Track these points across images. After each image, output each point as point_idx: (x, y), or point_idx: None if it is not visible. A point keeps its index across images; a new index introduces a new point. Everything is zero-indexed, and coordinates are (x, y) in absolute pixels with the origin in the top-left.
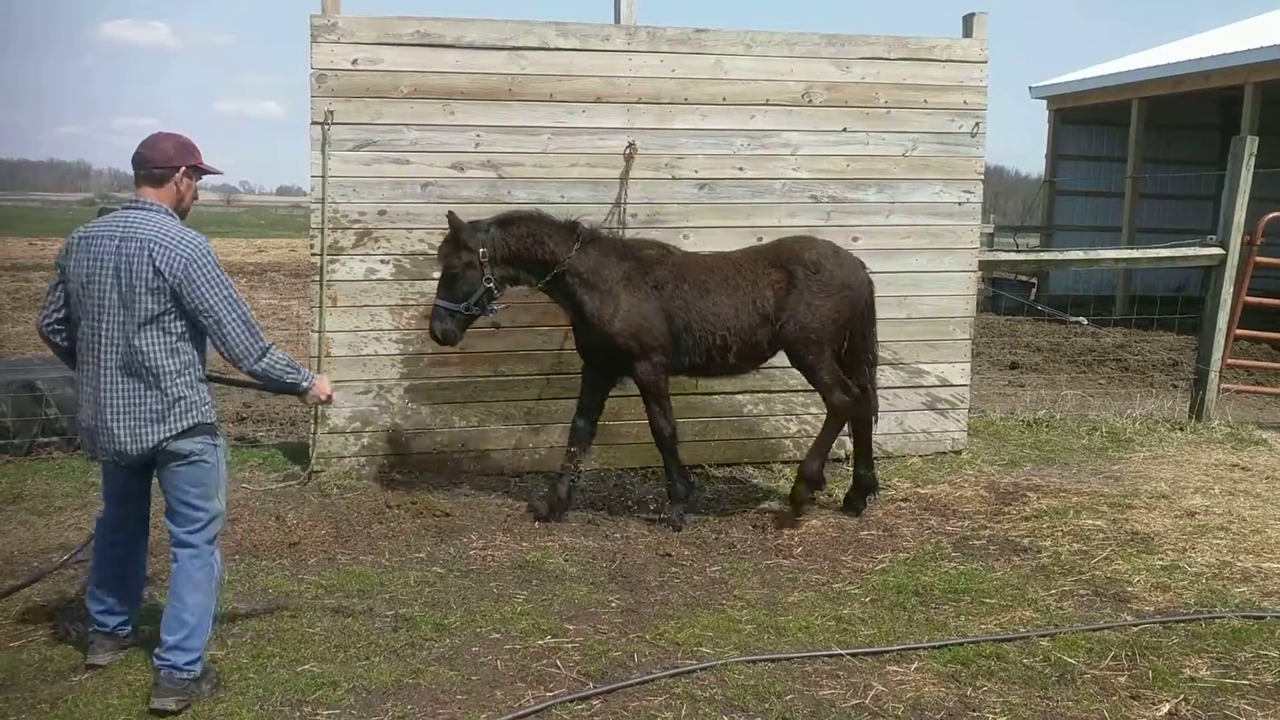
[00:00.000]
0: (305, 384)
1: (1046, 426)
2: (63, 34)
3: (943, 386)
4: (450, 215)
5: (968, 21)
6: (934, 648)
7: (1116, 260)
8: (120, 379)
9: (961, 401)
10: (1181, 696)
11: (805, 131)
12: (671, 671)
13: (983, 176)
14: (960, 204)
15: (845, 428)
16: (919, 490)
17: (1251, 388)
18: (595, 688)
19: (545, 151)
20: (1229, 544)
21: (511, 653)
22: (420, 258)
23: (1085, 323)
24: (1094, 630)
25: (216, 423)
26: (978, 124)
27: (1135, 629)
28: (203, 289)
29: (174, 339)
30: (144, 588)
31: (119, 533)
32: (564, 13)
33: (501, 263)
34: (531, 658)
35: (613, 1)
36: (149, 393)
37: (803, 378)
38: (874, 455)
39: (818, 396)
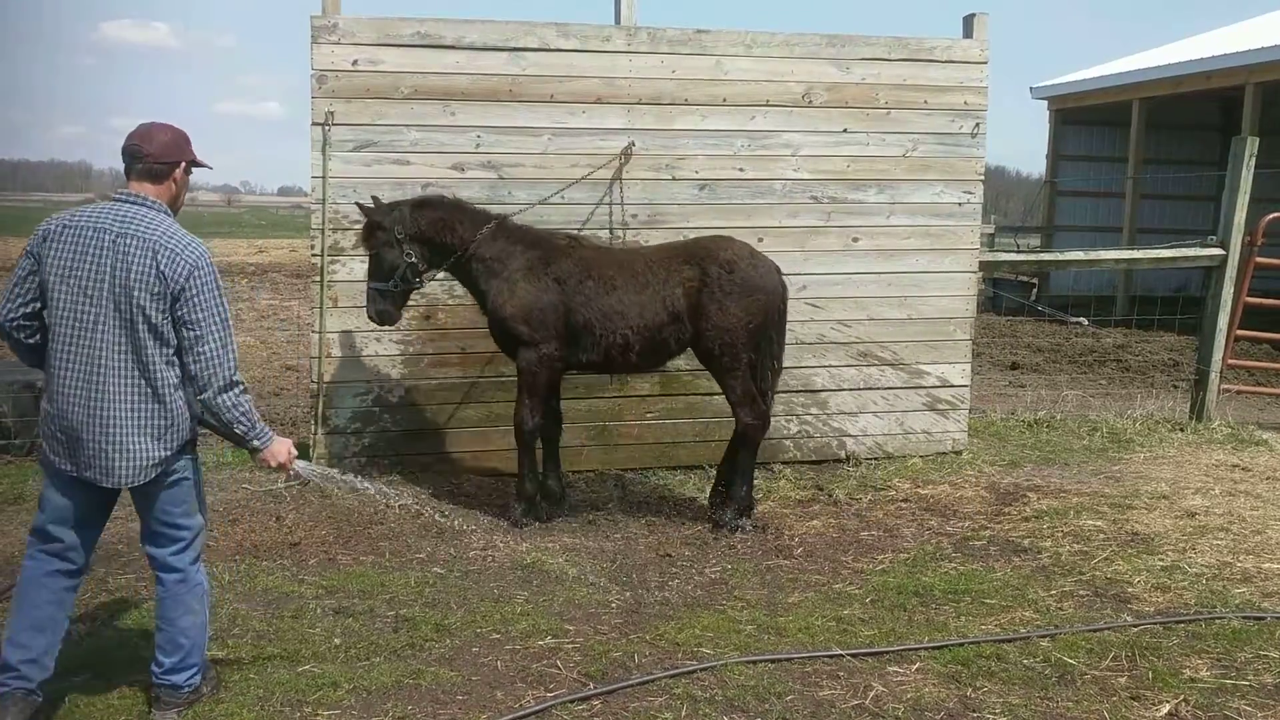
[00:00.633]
0: (259, 442)
1: (1047, 427)
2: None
3: (943, 387)
4: (359, 204)
5: (968, 22)
6: (934, 648)
7: (1117, 261)
8: (120, 388)
9: (962, 402)
10: (1182, 697)
11: (805, 132)
12: (672, 672)
13: (983, 177)
14: (961, 205)
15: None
16: (919, 491)
17: (1252, 388)
18: (595, 688)
19: (545, 152)
20: (1229, 545)
21: (512, 653)
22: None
23: (1086, 323)
24: (1094, 631)
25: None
26: (978, 125)
27: (1135, 630)
28: (197, 299)
29: (171, 350)
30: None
31: (62, 563)
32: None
33: (413, 241)
34: (532, 658)
35: (613, 2)
36: (151, 406)
37: (800, 379)
38: (875, 456)
39: (819, 396)
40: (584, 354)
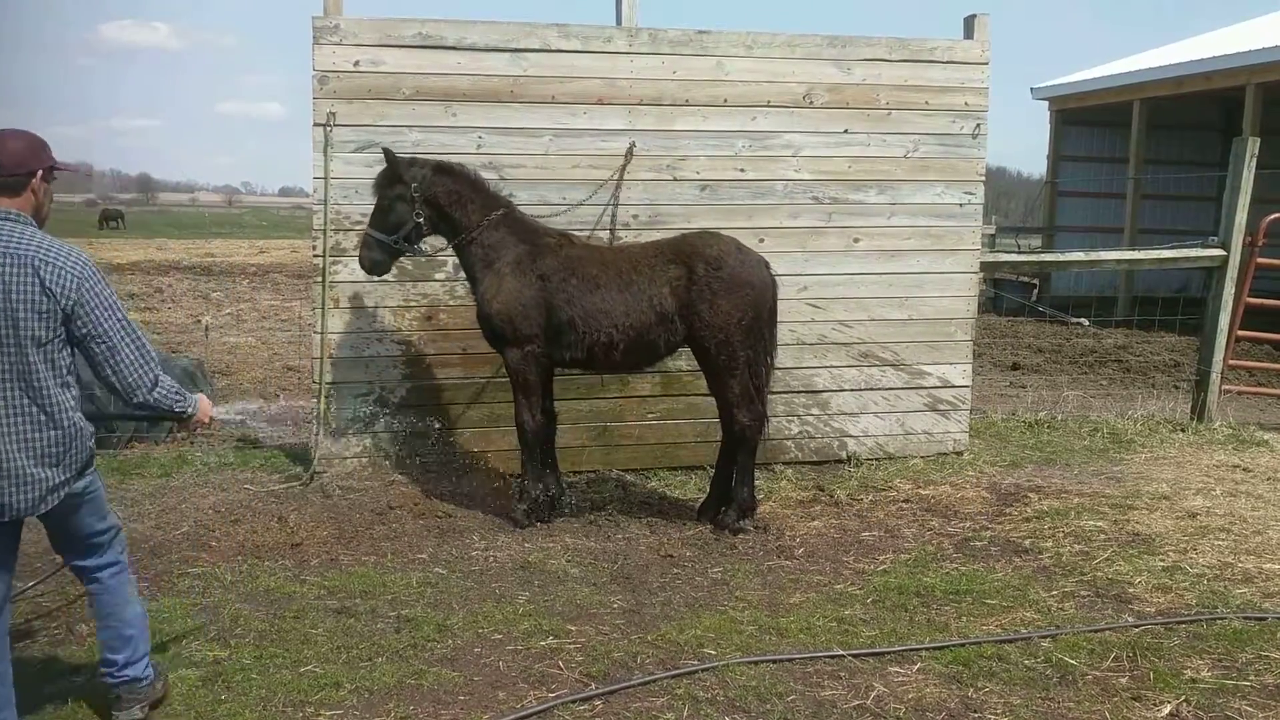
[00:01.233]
0: (191, 410)
1: (1048, 427)
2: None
3: (944, 387)
4: (385, 150)
5: (969, 23)
6: (936, 649)
7: (1118, 261)
8: (11, 420)
9: (963, 402)
10: (1183, 698)
11: (806, 133)
12: (673, 672)
13: (984, 178)
14: (961, 205)
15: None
16: (920, 491)
17: (1253, 389)
18: (597, 688)
19: (547, 153)
20: (1230, 545)
21: (514, 653)
22: (422, 259)
23: (1087, 324)
24: (1095, 631)
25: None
26: (979, 125)
27: (1136, 630)
28: (97, 312)
29: (64, 371)
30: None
31: None
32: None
33: (427, 204)
34: (534, 658)
35: (614, 3)
36: (47, 434)
37: (801, 380)
38: (876, 456)
39: (820, 397)
40: (567, 352)
